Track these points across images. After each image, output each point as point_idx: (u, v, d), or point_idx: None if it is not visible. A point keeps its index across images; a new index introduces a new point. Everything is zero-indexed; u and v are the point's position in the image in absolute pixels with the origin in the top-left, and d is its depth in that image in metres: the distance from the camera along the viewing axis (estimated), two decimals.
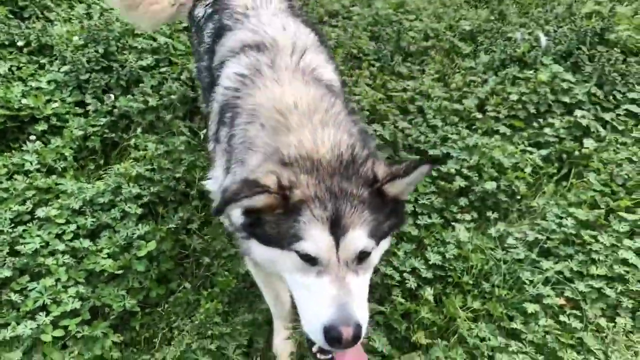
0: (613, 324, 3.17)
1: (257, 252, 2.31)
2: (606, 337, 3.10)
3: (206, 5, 3.65)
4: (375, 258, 2.27)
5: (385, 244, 2.34)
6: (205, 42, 3.46)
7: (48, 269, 3.38)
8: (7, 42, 5.20)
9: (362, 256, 2.13)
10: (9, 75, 4.88)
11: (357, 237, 2.11)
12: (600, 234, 3.57)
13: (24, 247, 3.42)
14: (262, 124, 2.44)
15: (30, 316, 3.16)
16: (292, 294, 2.26)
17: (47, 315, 3.14)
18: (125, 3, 4.04)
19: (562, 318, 3.18)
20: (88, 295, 3.31)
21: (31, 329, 3.06)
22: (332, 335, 2.01)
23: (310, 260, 2.10)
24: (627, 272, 3.34)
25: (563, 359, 2.93)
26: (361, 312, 2.07)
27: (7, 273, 3.29)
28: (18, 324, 3.10)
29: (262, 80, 2.63)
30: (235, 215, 2.39)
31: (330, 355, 2.23)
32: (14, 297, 3.21)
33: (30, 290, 3.26)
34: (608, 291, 3.27)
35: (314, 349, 2.24)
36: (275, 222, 2.16)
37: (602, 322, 3.16)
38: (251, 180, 2.15)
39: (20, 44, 5.17)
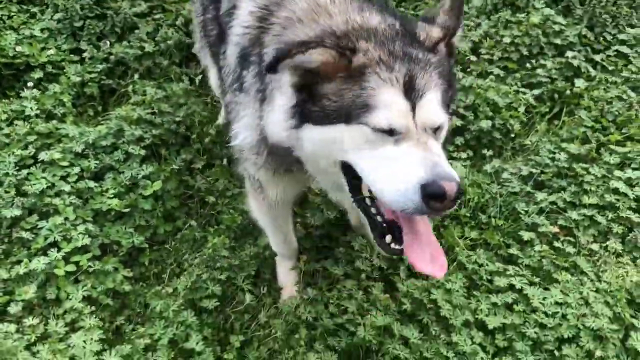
0: (604, 248, 3.32)
1: (311, 137, 2.09)
2: (598, 260, 3.26)
3: None
4: (445, 130, 2.13)
5: (448, 122, 2.17)
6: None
7: (56, 208, 3.43)
8: None
9: (438, 129, 2.04)
10: (0, 25, 4.85)
11: (434, 104, 1.99)
12: (592, 166, 3.70)
13: (31, 187, 3.47)
14: (299, 19, 2.29)
15: (41, 253, 3.23)
16: (359, 171, 2.05)
17: (58, 251, 3.21)
18: None
19: (556, 244, 3.33)
20: (96, 233, 3.38)
21: (44, 264, 3.13)
22: (433, 191, 1.82)
23: (385, 131, 1.95)
24: (618, 200, 3.48)
25: (558, 280, 3.08)
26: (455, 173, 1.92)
27: (17, 212, 3.34)
28: (30, 260, 3.18)
29: None
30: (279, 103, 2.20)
31: (402, 247, 2.12)
32: (25, 234, 3.28)
33: (40, 229, 3.32)
34: (599, 218, 3.42)
35: (388, 239, 2.14)
36: (336, 92, 2.01)
37: (594, 246, 3.32)
38: (303, 40, 2.03)
39: None
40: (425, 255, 2.11)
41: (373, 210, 2.19)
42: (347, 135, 2.00)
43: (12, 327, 2.90)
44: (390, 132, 1.94)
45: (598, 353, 2.73)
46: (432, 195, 1.83)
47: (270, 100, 2.29)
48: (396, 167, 1.93)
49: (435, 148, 1.96)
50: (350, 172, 2.13)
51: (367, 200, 2.18)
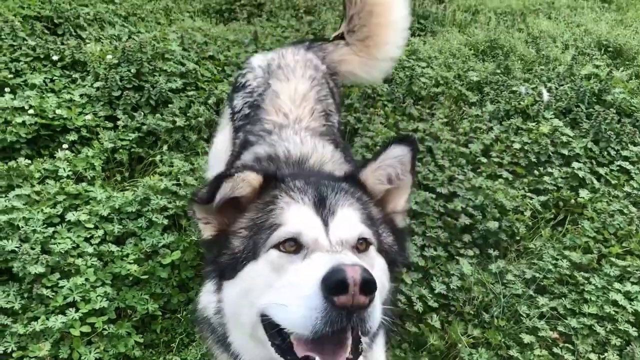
0: (602, 359, 3.42)
1: (229, 294, 1.96)
2: None
3: (244, 103, 3.44)
4: (378, 265, 1.90)
5: (387, 273, 1.99)
6: (234, 149, 3.35)
7: (77, 268, 3.58)
8: (42, 56, 5.50)
9: (360, 247, 1.86)
10: (43, 87, 5.16)
11: (350, 216, 1.88)
12: (593, 276, 3.86)
13: (56, 246, 3.63)
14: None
15: (59, 311, 3.35)
16: (273, 314, 1.75)
17: (76, 311, 3.33)
18: None
19: (555, 350, 3.43)
20: (114, 296, 3.51)
21: (61, 322, 3.24)
22: (333, 281, 1.54)
23: (293, 249, 1.80)
24: (617, 312, 3.61)
25: None
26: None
27: (41, 269, 3.47)
28: (47, 318, 3.29)
29: None
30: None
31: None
32: (46, 292, 3.41)
33: (61, 287, 3.45)
34: (598, 329, 3.53)
35: (300, 354, 1.71)
36: (247, 227, 1.96)
37: (592, 356, 3.42)
38: (235, 167, 2.17)
39: (55, 58, 5.47)
40: None
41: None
42: (257, 272, 1.83)
43: None
44: (297, 250, 1.79)
45: None
46: (333, 286, 1.54)
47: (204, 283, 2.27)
48: (301, 279, 1.68)
49: (350, 256, 1.74)
50: (270, 328, 1.81)
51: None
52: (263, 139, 3.01)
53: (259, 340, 1.90)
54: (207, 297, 2.18)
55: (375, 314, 1.62)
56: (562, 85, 5.70)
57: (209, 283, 2.18)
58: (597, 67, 6.23)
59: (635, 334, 3.52)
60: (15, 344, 3.18)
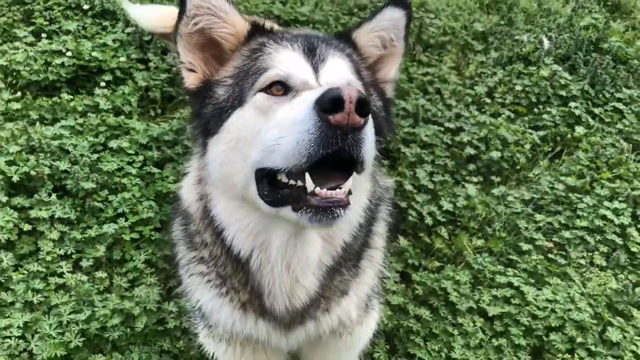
0: (591, 263, 3.87)
1: (216, 152, 1.84)
2: (585, 272, 3.79)
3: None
4: (367, 126, 1.57)
5: (372, 131, 1.63)
6: None
7: (124, 186, 4.00)
8: (73, 5, 5.84)
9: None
10: (76, 33, 5.52)
11: (341, 65, 1.82)
12: (585, 196, 4.29)
13: (103, 167, 4.04)
14: None
15: (110, 221, 3.78)
16: (265, 157, 1.66)
17: (125, 220, 3.77)
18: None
19: (550, 256, 3.88)
20: (157, 210, 3.94)
21: (114, 229, 3.68)
22: (328, 99, 1.47)
23: (281, 92, 1.73)
24: (605, 225, 4.05)
25: (549, 283, 3.62)
26: None
27: (92, 185, 3.89)
28: (101, 227, 3.72)
29: None
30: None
31: (337, 191, 1.57)
32: (98, 204, 3.84)
33: (110, 201, 3.88)
34: (589, 239, 3.98)
35: (310, 186, 1.57)
36: (232, 75, 1.88)
37: (582, 261, 3.86)
38: None
39: (85, 7, 5.80)
40: None
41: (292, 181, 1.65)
42: (244, 119, 1.76)
43: (84, 278, 3.43)
44: (285, 92, 1.73)
45: (579, 340, 3.26)
46: (328, 103, 1.47)
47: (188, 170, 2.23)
48: (292, 113, 1.61)
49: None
50: (261, 175, 1.73)
51: (284, 177, 1.67)
52: None
53: (250, 201, 1.80)
54: (187, 187, 2.13)
55: (369, 140, 1.55)
56: (561, 34, 6.05)
57: (189, 175, 2.14)
58: (595, 19, 6.57)
59: (621, 242, 3.96)
60: (74, 247, 3.62)
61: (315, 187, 1.57)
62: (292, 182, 1.63)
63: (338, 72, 1.78)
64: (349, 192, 1.62)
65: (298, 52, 1.82)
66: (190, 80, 1.99)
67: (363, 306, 2.35)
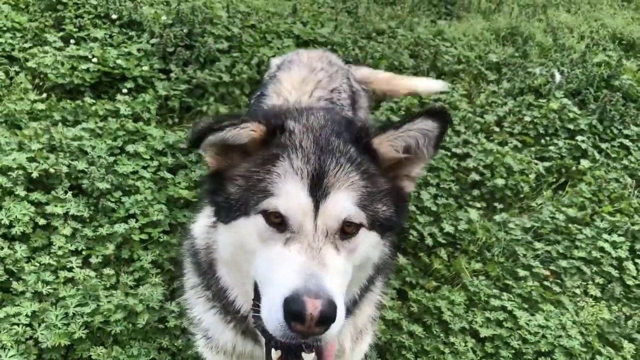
0: (585, 293, 3.94)
1: (224, 240, 1.95)
2: (579, 301, 3.86)
3: (255, 97, 3.67)
4: (366, 245, 1.85)
5: (379, 245, 1.93)
6: None
7: (137, 189, 4.16)
8: (102, 14, 6.10)
9: (348, 230, 1.78)
10: (103, 41, 5.76)
11: (342, 201, 1.78)
12: (585, 228, 4.36)
13: (119, 169, 4.21)
14: None
15: (121, 221, 3.93)
16: (257, 282, 1.81)
17: (136, 222, 3.91)
18: None
19: (546, 283, 3.95)
20: (167, 214, 4.09)
21: (124, 229, 3.82)
22: (292, 309, 1.56)
23: (279, 225, 1.75)
24: (602, 256, 4.12)
25: (543, 309, 3.69)
26: (336, 291, 1.65)
27: (106, 186, 4.05)
28: (112, 226, 3.87)
29: None
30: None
31: None
32: (110, 204, 3.99)
33: (123, 202, 4.03)
34: (585, 269, 4.05)
35: (274, 357, 1.79)
36: (244, 175, 1.86)
37: (577, 291, 3.93)
38: (237, 115, 2.13)
39: (113, 17, 6.06)
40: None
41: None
42: (247, 231, 1.82)
43: (92, 273, 3.57)
44: (282, 227, 1.75)
45: None
46: (291, 315, 1.57)
47: (199, 215, 2.31)
48: (276, 272, 1.70)
49: (329, 257, 1.71)
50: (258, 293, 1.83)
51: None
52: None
53: (248, 285, 1.92)
54: (199, 230, 2.20)
55: (332, 333, 1.64)
56: (574, 69, 6.17)
57: (203, 216, 2.19)
58: (609, 56, 6.69)
59: (617, 275, 4.03)
60: (85, 244, 3.77)
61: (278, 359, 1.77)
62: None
63: (336, 212, 1.76)
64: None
65: (304, 182, 1.77)
66: (209, 159, 1.98)
67: (358, 335, 2.42)
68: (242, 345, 2.25)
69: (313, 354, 1.77)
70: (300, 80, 3.39)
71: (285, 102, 3.15)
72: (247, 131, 1.84)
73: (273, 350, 1.80)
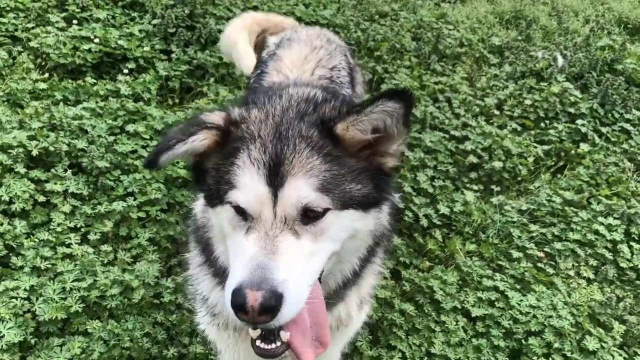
0: (578, 275, 3.96)
1: (212, 221, 2.05)
2: (571, 283, 3.88)
3: (255, 75, 3.62)
4: (337, 225, 1.87)
5: (365, 218, 1.95)
6: None
7: (136, 168, 4.20)
8: None
9: (311, 215, 1.81)
10: (105, 21, 5.78)
11: (299, 188, 1.79)
12: (581, 211, 4.37)
13: (118, 148, 4.26)
14: None
15: (120, 200, 3.98)
16: None
17: (134, 200, 3.96)
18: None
19: (539, 265, 3.98)
20: (165, 193, 4.14)
21: (122, 206, 3.88)
22: (235, 301, 1.66)
23: (243, 214, 1.82)
24: (597, 239, 4.14)
25: (535, 290, 3.72)
26: (285, 278, 1.69)
27: (105, 164, 4.10)
28: (110, 204, 3.93)
29: None
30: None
31: (275, 345, 1.84)
32: (109, 182, 4.04)
33: (122, 181, 4.08)
34: (579, 251, 4.07)
35: (253, 335, 1.86)
36: (214, 168, 1.93)
37: (571, 272, 3.95)
38: (195, 120, 1.99)
39: None
40: (306, 340, 1.91)
41: None
42: (222, 217, 1.91)
43: (91, 250, 3.63)
44: (244, 216, 1.82)
45: (556, 345, 3.36)
46: (234, 306, 1.67)
47: None
48: (234, 264, 1.80)
49: (284, 245, 1.76)
50: None
51: None
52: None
53: None
54: (199, 208, 2.28)
55: (284, 316, 1.70)
56: (577, 53, 6.14)
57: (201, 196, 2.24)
58: (612, 40, 6.64)
59: (611, 257, 4.04)
60: (84, 221, 3.82)
61: (257, 338, 1.85)
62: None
63: (293, 199, 1.79)
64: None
65: (261, 173, 1.81)
66: (191, 159, 2.06)
67: (361, 304, 2.51)
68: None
69: (288, 333, 1.84)
70: (301, 58, 3.38)
71: (285, 79, 3.16)
72: (199, 142, 1.89)
73: (250, 329, 1.86)
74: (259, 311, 1.64)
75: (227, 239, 1.91)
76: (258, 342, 1.84)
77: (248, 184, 1.80)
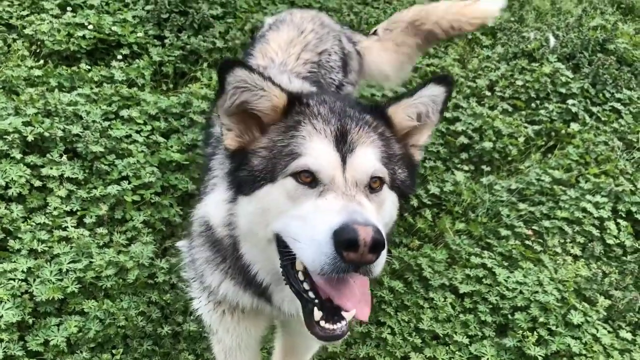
0: (566, 252, 4.03)
1: (245, 210, 1.99)
2: (558, 259, 3.96)
3: (246, 54, 3.64)
4: (390, 204, 1.97)
5: (396, 206, 2.05)
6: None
7: (130, 152, 4.26)
8: None
9: (374, 185, 1.88)
10: (99, 8, 5.81)
11: (368, 155, 1.89)
12: (569, 189, 4.44)
13: (113, 133, 4.32)
14: None
15: (115, 183, 4.05)
16: (286, 238, 1.85)
17: (129, 183, 4.03)
18: None
19: (527, 243, 4.05)
20: (159, 177, 4.20)
21: (117, 190, 3.95)
22: (344, 237, 1.61)
23: (310, 182, 1.83)
24: (584, 217, 4.21)
25: (522, 267, 3.80)
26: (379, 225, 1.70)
27: (100, 149, 4.17)
28: (105, 187, 4.00)
29: None
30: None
31: (340, 325, 1.78)
32: (104, 167, 4.11)
33: (116, 165, 4.15)
34: (567, 229, 4.14)
35: (317, 315, 1.80)
36: (267, 146, 1.96)
37: (558, 249, 4.03)
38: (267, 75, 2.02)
39: None
40: (355, 297, 1.82)
41: (305, 285, 1.86)
42: (273, 196, 1.88)
43: (86, 232, 3.71)
44: (313, 183, 1.82)
45: (541, 319, 3.44)
46: (344, 243, 1.61)
47: (213, 189, 2.33)
48: (315, 220, 1.74)
49: (365, 202, 1.80)
50: (282, 246, 1.91)
51: (300, 275, 1.88)
52: None
53: (269, 255, 2.00)
54: (214, 208, 2.21)
55: (381, 263, 1.70)
56: (569, 33, 6.16)
57: (216, 194, 2.22)
58: (605, 19, 6.65)
59: (598, 234, 4.12)
60: (79, 205, 3.90)
61: (320, 320, 1.80)
62: (305, 286, 1.85)
63: (364, 165, 1.86)
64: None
65: (329, 139, 1.88)
66: (229, 141, 2.06)
67: None
68: (246, 301, 2.37)
69: (352, 311, 1.77)
70: (287, 41, 3.40)
71: (270, 63, 3.20)
72: (271, 95, 1.95)
73: (315, 310, 1.81)
74: (371, 246, 1.60)
75: (282, 214, 1.85)
76: (323, 323, 1.78)
77: (318, 148, 1.84)
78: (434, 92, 2.00)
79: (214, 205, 2.23)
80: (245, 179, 1.96)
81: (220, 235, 2.20)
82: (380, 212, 1.89)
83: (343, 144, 1.87)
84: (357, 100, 2.34)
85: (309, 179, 1.83)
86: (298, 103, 2.01)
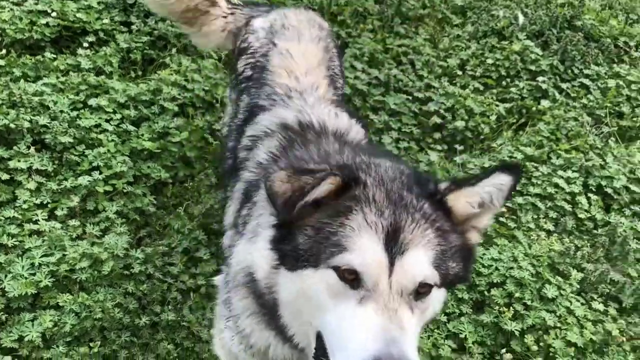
0: (539, 227, 4.09)
1: (286, 285, 1.89)
2: (532, 235, 4.02)
3: (246, 65, 3.36)
4: (436, 303, 1.86)
5: (442, 302, 1.93)
6: (238, 118, 3.19)
7: (100, 142, 4.19)
8: None
9: (422, 291, 1.75)
10: None
11: (419, 260, 1.74)
12: (541, 165, 4.49)
13: (82, 122, 4.23)
14: (311, 159, 2.31)
15: (85, 174, 3.97)
16: (324, 336, 1.79)
17: (100, 174, 3.96)
18: (182, 18, 3.96)
19: (501, 219, 4.10)
20: (131, 166, 4.14)
21: (88, 181, 3.88)
22: None
23: (352, 281, 1.71)
24: (557, 192, 4.27)
25: (497, 244, 3.85)
26: (416, 358, 1.63)
27: (69, 139, 4.08)
28: (76, 179, 3.92)
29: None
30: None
31: None
32: (74, 157, 4.03)
33: (86, 156, 4.07)
34: (540, 205, 4.20)
35: None
36: (315, 226, 1.82)
37: (531, 225, 4.09)
38: (312, 169, 1.90)
39: None
40: None
41: None
42: (314, 282, 1.78)
43: (58, 225, 3.64)
44: (356, 284, 1.72)
45: (517, 295, 3.49)
46: None
47: (258, 234, 2.18)
48: (352, 333, 1.67)
49: (406, 320, 1.69)
50: (320, 337, 1.85)
51: None
52: (284, 103, 2.84)
53: (307, 333, 1.94)
54: (260, 259, 2.06)
55: None
56: (537, 11, 6.20)
57: (260, 244, 2.07)
58: None
59: (570, 209, 4.18)
60: (50, 197, 3.82)
61: None
62: None
63: (413, 272, 1.73)
64: None
65: (379, 237, 1.73)
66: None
67: None
68: (279, 350, 2.28)
69: None
70: (316, 61, 3.16)
71: (296, 83, 3.00)
72: (327, 185, 1.79)
73: None
74: None
75: (321, 310, 1.77)
76: None
77: (366, 247, 1.71)
78: (501, 180, 1.86)
79: (258, 256, 2.06)
80: (289, 254, 1.85)
81: (263, 289, 2.07)
82: (422, 318, 1.80)
83: (394, 243, 1.73)
84: (414, 170, 2.08)
85: (352, 278, 1.71)
86: (354, 184, 1.85)
